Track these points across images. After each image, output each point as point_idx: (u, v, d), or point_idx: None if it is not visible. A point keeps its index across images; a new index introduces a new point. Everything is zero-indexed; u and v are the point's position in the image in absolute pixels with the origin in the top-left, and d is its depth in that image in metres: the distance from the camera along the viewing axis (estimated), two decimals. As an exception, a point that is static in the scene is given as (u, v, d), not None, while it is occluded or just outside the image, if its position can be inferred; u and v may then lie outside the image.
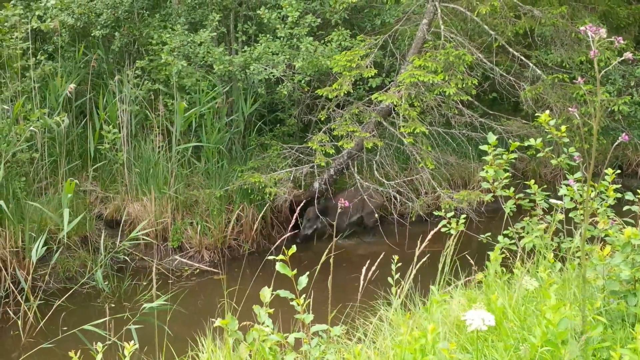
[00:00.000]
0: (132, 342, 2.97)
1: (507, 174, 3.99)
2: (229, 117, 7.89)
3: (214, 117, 7.72)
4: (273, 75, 7.25)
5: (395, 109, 7.25)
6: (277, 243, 7.65)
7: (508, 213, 4.15)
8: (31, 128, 6.68)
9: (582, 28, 2.22)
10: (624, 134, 2.42)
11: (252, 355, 2.90)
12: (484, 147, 4.03)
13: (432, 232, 3.91)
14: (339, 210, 3.59)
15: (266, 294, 2.72)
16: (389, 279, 3.88)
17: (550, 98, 6.90)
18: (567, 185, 3.74)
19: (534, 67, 7.12)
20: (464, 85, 6.61)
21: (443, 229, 4.32)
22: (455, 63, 6.55)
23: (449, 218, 4.13)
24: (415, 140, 7.49)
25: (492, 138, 3.80)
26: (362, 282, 3.64)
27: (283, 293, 2.91)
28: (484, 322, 2.66)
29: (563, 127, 3.60)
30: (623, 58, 2.25)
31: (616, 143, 2.40)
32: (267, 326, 2.83)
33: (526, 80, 7.54)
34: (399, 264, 3.70)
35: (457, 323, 3.39)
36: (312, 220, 7.72)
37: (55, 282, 6.47)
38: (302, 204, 7.92)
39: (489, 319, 2.65)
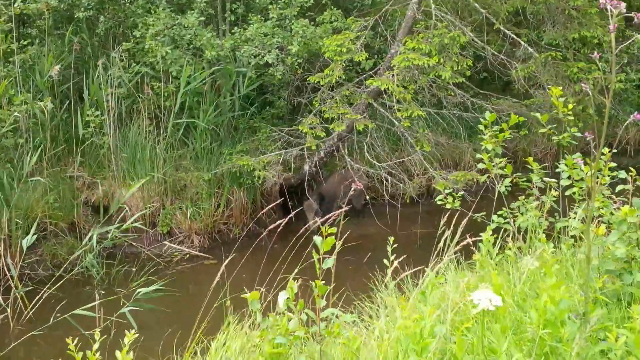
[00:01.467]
0: (133, 330, 2.89)
1: (503, 158, 3.93)
2: (217, 100, 7.76)
3: (203, 99, 7.59)
4: (265, 59, 7.10)
5: (390, 92, 7.15)
6: (270, 227, 7.62)
7: (503, 192, 4.10)
8: (15, 113, 6.54)
9: (602, 1, 2.12)
10: (635, 113, 2.35)
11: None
12: (480, 126, 3.97)
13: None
14: (347, 192, 3.54)
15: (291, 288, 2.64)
16: (385, 260, 3.84)
17: (543, 77, 6.83)
18: (566, 164, 3.67)
19: (525, 45, 7.03)
20: (459, 67, 6.50)
21: (439, 202, 4.27)
22: (449, 45, 6.43)
23: (447, 194, 4.06)
24: (411, 123, 7.41)
25: (490, 117, 3.72)
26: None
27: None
28: (491, 303, 2.61)
29: (570, 105, 3.52)
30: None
31: (627, 122, 2.33)
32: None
33: (518, 60, 7.46)
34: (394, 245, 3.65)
35: (453, 305, 3.35)
36: (317, 212, 7.62)
37: (43, 269, 6.37)
38: (293, 187, 7.98)
39: (496, 300, 2.60)
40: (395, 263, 3.77)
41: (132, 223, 6.05)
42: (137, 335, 2.80)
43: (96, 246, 5.97)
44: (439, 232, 3.80)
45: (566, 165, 3.65)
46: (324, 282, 2.83)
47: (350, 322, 3.59)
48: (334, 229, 2.76)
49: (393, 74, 6.93)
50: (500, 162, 3.86)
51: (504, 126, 3.71)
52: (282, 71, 7.14)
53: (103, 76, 7.12)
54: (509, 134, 3.85)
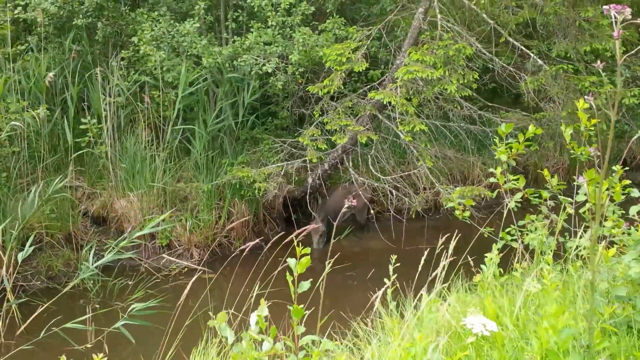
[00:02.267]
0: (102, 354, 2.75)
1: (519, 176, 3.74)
2: (220, 105, 7.62)
3: (203, 107, 7.45)
4: (265, 68, 6.97)
5: (393, 106, 6.98)
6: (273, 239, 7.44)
7: (513, 209, 3.90)
8: (13, 122, 6.43)
9: (605, 7, 1.95)
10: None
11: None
12: (492, 139, 3.79)
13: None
14: (346, 209, 3.35)
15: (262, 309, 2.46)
16: (385, 279, 3.65)
17: (553, 89, 6.62)
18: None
19: (535, 57, 6.83)
20: (465, 81, 6.31)
21: (447, 203, 4.03)
22: (455, 57, 6.24)
23: (458, 203, 3.84)
24: (414, 137, 7.22)
25: (506, 127, 3.53)
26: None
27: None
28: (485, 328, 2.43)
29: (593, 120, 3.33)
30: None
31: (634, 137, 2.14)
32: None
33: (527, 72, 7.27)
34: (397, 264, 3.48)
35: (449, 329, 3.15)
36: (323, 234, 7.46)
37: (38, 281, 6.23)
38: (297, 199, 7.80)
39: (490, 325, 2.42)
40: (393, 280, 3.59)
41: (134, 236, 5.88)
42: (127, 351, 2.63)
43: (93, 260, 5.81)
44: (436, 251, 3.60)
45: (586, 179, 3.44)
46: (301, 306, 2.66)
47: (340, 348, 3.39)
48: (307, 249, 2.57)
49: (397, 86, 6.76)
50: (514, 179, 3.67)
51: (520, 137, 3.51)
52: (283, 80, 6.99)
53: (101, 84, 7.02)
54: (522, 147, 3.65)
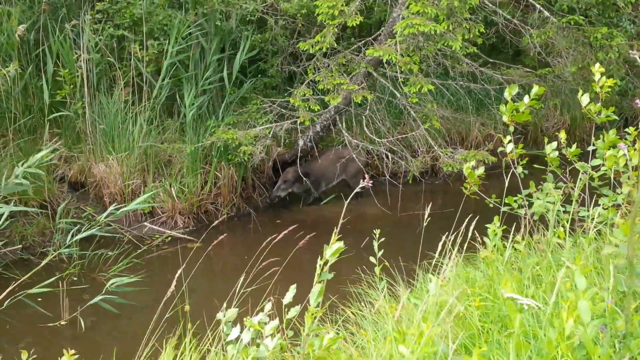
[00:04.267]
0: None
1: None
2: (209, 67, 7.13)
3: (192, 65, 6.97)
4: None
5: (390, 63, 6.49)
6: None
7: (519, 174, 3.52)
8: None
9: None
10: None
11: None
12: (488, 97, 3.40)
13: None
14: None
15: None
16: (374, 245, 3.31)
17: (560, 43, 6.16)
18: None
19: (540, 7, 6.34)
20: (471, 36, 5.81)
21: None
22: (459, 9, 5.73)
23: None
24: (420, 99, 6.76)
25: (513, 89, 3.11)
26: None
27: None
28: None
29: (610, 80, 2.92)
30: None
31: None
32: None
33: (531, 25, 6.79)
34: (389, 228, 3.14)
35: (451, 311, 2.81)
36: (289, 182, 7.07)
37: (10, 251, 5.83)
38: (287, 163, 7.41)
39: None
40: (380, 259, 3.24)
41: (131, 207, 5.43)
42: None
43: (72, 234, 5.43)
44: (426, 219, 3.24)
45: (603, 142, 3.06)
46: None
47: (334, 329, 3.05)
48: (341, 246, 2.15)
49: (396, 42, 6.26)
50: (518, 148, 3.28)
51: (540, 90, 3.08)
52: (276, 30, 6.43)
53: (74, 40, 6.50)
54: (528, 114, 3.24)
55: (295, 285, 2.00)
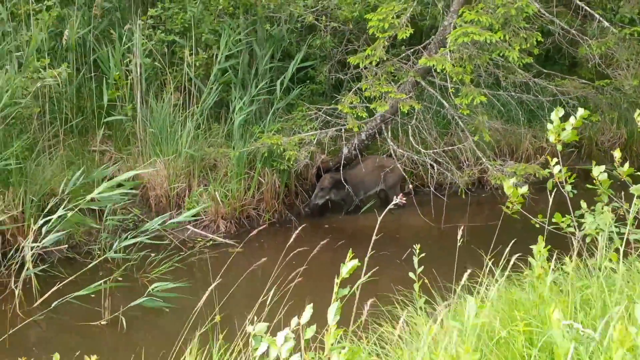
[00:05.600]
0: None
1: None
2: (252, 71, 7.16)
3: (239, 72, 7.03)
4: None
5: (439, 72, 6.34)
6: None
7: (568, 193, 3.35)
8: (39, 84, 6.07)
9: None
10: None
11: None
12: (542, 108, 3.25)
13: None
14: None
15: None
16: (414, 260, 3.18)
17: (621, 55, 5.90)
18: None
19: (600, 18, 6.09)
20: (528, 45, 5.61)
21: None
22: (514, 17, 5.53)
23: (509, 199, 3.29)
24: (470, 110, 6.60)
25: (559, 112, 2.98)
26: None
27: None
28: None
29: None
30: None
31: None
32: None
33: (590, 36, 6.53)
34: (431, 240, 3.03)
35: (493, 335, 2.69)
36: (326, 189, 7.01)
37: (58, 251, 5.96)
38: (331, 171, 7.35)
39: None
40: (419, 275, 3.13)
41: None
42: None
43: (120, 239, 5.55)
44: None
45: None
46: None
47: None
48: (356, 263, 2.07)
49: (447, 52, 6.12)
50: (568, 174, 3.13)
51: (580, 121, 2.93)
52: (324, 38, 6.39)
53: (128, 44, 6.62)
54: (576, 134, 3.08)
55: (311, 304, 1.93)
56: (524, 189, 3.16)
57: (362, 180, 7.12)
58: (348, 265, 1.93)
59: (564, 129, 3.06)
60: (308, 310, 1.80)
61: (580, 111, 2.96)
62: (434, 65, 6.04)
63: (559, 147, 3.16)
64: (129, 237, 5.67)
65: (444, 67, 5.99)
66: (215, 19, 6.87)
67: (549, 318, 2.61)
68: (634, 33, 6.16)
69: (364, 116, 6.60)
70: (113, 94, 6.72)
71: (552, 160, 3.12)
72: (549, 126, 3.00)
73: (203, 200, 6.62)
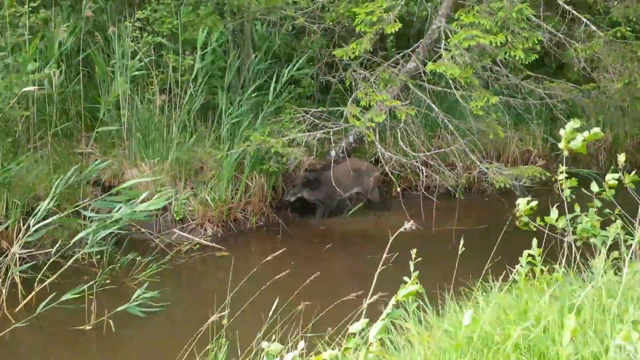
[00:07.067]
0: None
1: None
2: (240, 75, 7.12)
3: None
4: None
5: (455, 78, 6.31)
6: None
7: (566, 198, 3.34)
8: (27, 88, 5.97)
9: None
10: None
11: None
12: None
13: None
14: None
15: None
16: (410, 265, 3.15)
17: (607, 58, 5.92)
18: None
19: (587, 22, 6.12)
20: (530, 44, 5.63)
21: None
22: (513, 19, 5.54)
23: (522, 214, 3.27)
24: (487, 112, 6.60)
25: (575, 123, 2.98)
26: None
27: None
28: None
29: None
30: None
31: None
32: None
33: (577, 39, 6.57)
34: (420, 243, 3.02)
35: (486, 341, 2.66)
36: (298, 187, 6.96)
37: (41, 254, 5.87)
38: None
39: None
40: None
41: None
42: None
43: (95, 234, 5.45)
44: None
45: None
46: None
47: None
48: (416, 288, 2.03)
49: (452, 56, 6.08)
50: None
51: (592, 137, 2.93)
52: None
53: (114, 47, 6.56)
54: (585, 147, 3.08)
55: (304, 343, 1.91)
56: (534, 203, 3.16)
57: (339, 181, 6.99)
58: (407, 289, 1.94)
59: (574, 139, 3.05)
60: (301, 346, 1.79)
61: (596, 129, 2.96)
62: (444, 71, 6.01)
63: (566, 153, 3.16)
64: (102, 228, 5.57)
65: (452, 72, 5.96)
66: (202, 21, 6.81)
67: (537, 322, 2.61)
68: (617, 33, 6.19)
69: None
70: (110, 99, 6.64)
71: (560, 169, 3.12)
72: (562, 132, 3.01)
73: (190, 204, 6.56)
